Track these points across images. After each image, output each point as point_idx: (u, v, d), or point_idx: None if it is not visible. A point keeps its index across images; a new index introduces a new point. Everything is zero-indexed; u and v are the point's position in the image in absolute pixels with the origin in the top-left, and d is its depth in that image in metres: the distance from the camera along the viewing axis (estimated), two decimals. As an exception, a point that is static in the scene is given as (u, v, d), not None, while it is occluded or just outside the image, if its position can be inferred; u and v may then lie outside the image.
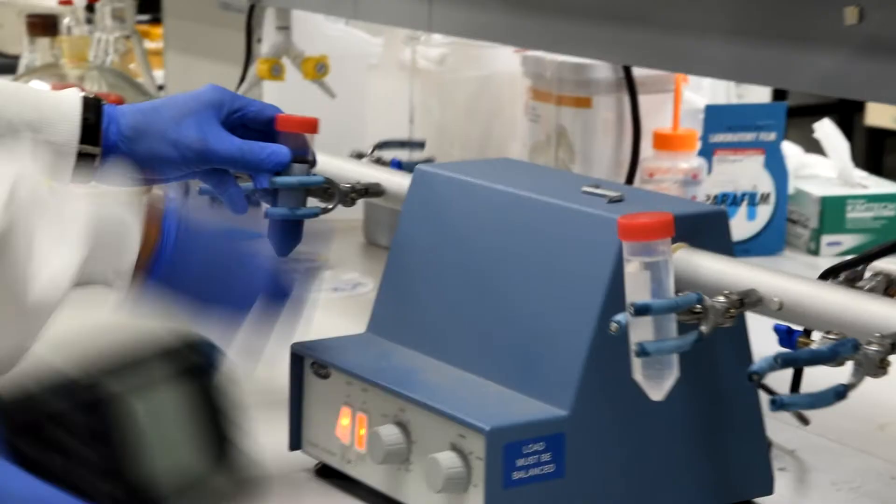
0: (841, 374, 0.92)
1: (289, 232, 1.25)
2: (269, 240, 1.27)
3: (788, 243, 1.91)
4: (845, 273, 1.04)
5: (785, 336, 0.96)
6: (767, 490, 1.12)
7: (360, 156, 1.39)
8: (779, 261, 1.85)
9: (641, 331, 0.96)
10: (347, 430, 1.14)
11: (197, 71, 2.27)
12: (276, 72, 1.91)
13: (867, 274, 1.04)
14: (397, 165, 1.36)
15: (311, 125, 1.23)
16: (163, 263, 1.07)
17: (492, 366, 1.10)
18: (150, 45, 2.49)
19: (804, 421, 1.28)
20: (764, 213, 1.86)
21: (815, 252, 1.87)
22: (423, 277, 1.18)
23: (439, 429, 1.06)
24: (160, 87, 2.21)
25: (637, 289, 0.97)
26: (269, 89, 2.03)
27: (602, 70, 1.76)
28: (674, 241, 1.04)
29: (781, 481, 1.17)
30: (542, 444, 1.03)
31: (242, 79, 2.04)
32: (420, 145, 1.44)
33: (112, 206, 1.04)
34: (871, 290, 1.02)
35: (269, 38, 1.97)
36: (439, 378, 1.11)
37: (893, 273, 1.04)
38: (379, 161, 1.38)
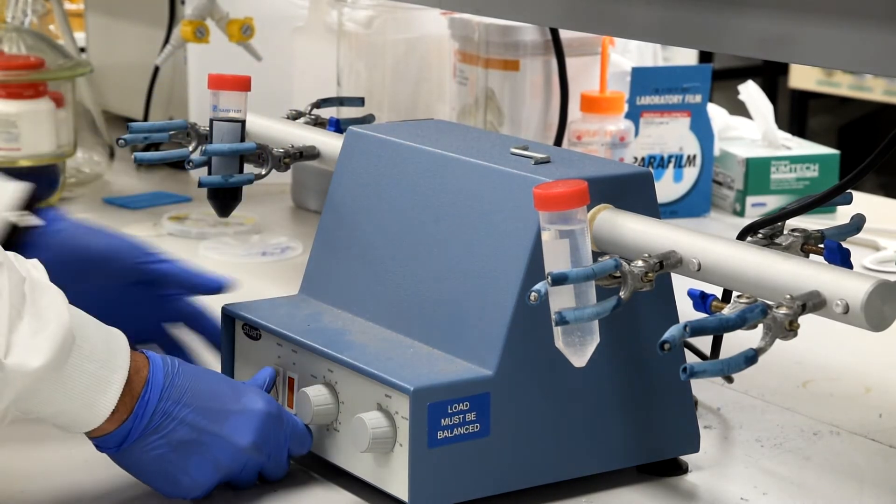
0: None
1: (226, 196, 1.27)
2: (209, 202, 1.28)
3: (714, 205, 1.93)
4: (764, 230, 1.06)
5: (699, 301, 0.96)
6: (693, 448, 1.13)
7: (297, 115, 1.38)
8: (705, 222, 1.87)
9: (561, 299, 0.96)
10: (278, 390, 1.14)
11: (119, 33, 2.25)
12: (200, 34, 1.90)
13: (786, 230, 1.05)
14: (335, 124, 1.36)
15: (244, 83, 1.25)
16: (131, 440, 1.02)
17: (419, 326, 1.11)
18: (70, 6, 2.45)
19: (728, 379, 1.29)
20: (690, 174, 1.88)
21: (740, 213, 1.89)
22: (355, 238, 1.18)
23: (366, 389, 1.06)
24: (82, 50, 2.18)
25: (555, 257, 0.97)
26: (194, 52, 2.02)
27: (529, 32, 1.76)
28: (599, 202, 1.05)
29: (707, 439, 1.19)
30: (466, 403, 1.03)
31: (166, 41, 2.02)
32: (360, 101, 1.44)
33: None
34: (789, 246, 1.03)
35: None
36: (367, 339, 1.11)
37: (810, 230, 1.05)
38: (317, 120, 1.38)
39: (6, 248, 1.12)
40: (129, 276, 1.18)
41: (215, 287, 1.17)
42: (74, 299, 1.14)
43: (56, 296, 0.97)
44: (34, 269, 0.98)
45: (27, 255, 1.13)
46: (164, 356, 1.05)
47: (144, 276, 1.18)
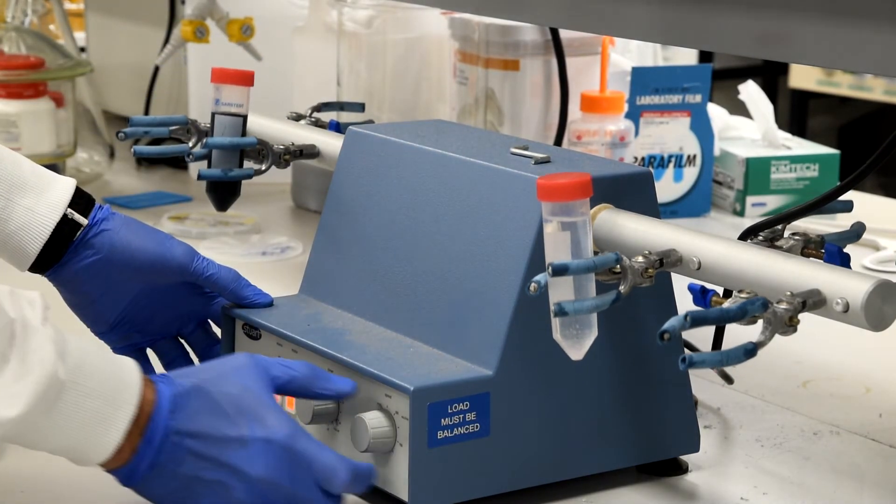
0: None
1: (225, 190, 1.27)
2: (208, 195, 1.28)
3: (714, 204, 1.93)
4: (765, 232, 1.06)
5: (699, 295, 0.96)
6: (693, 448, 1.13)
7: (298, 118, 1.39)
8: (705, 222, 1.87)
9: (560, 291, 0.96)
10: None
11: (119, 33, 2.25)
12: (200, 34, 1.90)
13: (786, 233, 1.05)
14: (335, 127, 1.36)
15: (247, 78, 1.26)
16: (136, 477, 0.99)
17: (420, 326, 1.11)
18: (70, 6, 2.45)
19: (728, 379, 1.29)
20: (690, 174, 1.88)
21: (740, 213, 1.89)
22: (355, 238, 1.18)
23: (366, 389, 1.06)
24: (82, 50, 2.18)
25: (556, 249, 0.97)
26: (194, 52, 2.02)
27: (530, 32, 1.76)
28: (599, 201, 1.05)
29: (707, 439, 1.19)
30: (466, 403, 1.03)
31: (166, 41, 2.02)
32: (360, 107, 1.45)
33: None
34: (790, 249, 1.03)
35: (192, -1, 1.96)
36: (367, 338, 1.11)
37: (811, 233, 1.05)
38: (317, 123, 1.38)
39: (53, 246, 1.12)
40: (179, 279, 1.18)
41: (264, 303, 1.18)
42: (120, 297, 1.16)
43: (44, 341, 0.94)
44: (29, 306, 0.95)
45: (76, 255, 1.14)
46: (175, 384, 0.99)
47: (194, 280, 1.18)
